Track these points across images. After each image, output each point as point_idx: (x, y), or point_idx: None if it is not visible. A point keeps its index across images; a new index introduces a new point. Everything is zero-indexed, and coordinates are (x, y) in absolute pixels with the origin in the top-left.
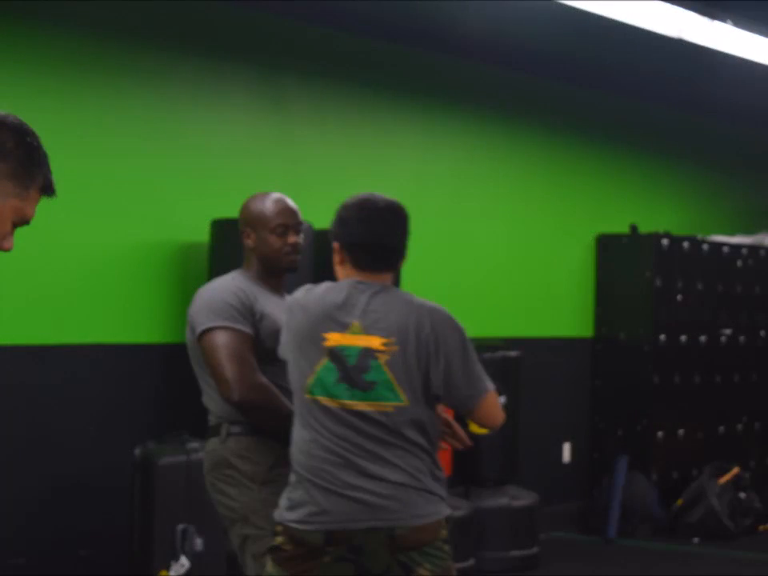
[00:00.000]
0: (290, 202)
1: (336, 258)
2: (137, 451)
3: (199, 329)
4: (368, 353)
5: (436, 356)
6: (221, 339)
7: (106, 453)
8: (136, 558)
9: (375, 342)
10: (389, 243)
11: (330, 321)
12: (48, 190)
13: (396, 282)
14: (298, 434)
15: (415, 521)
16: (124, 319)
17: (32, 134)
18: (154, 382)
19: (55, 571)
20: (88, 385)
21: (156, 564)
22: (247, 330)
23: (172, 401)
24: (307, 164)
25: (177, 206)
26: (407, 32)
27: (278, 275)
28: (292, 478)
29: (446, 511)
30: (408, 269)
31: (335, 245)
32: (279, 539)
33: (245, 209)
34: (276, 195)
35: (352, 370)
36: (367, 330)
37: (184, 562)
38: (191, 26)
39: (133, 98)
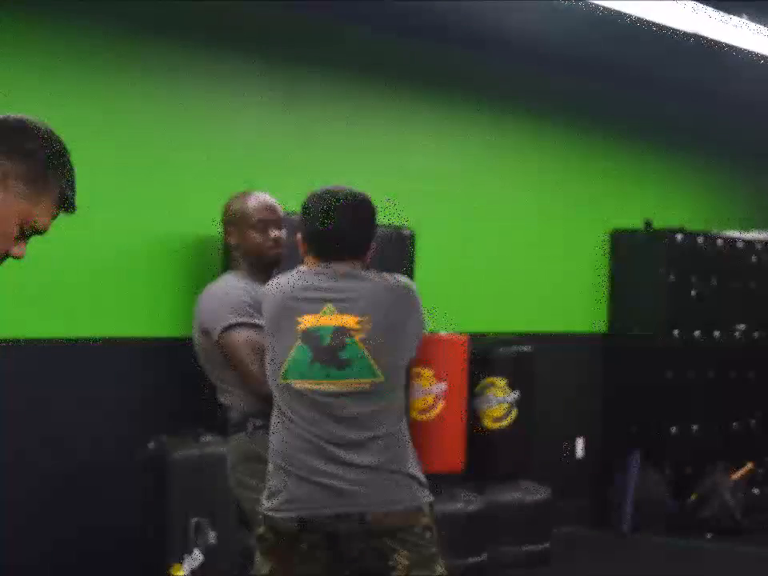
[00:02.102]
0: (270, 198)
1: (300, 249)
2: (150, 445)
3: (219, 328)
4: (342, 331)
5: (404, 329)
6: (242, 335)
7: (119, 447)
8: (149, 552)
9: (349, 320)
10: (348, 233)
11: (303, 305)
12: (64, 203)
13: (410, 274)
14: (274, 421)
15: (387, 507)
16: (138, 313)
17: (58, 144)
18: (167, 376)
19: (69, 564)
20: (101, 379)
21: (169, 558)
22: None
23: (185, 395)
24: (322, 158)
25: (190, 200)
26: (423, 25)
27: (265, 270)
28: (270, 466)
29: (425, 498)
30: (421, 263)
31: (298, 235)
32: (261, 528)
33: (226, 208)
34: (256, 193)
35: (327, 350)
36: (341, 311)
37: (197, 555)
38: (205, 20)
39: (147, 91)
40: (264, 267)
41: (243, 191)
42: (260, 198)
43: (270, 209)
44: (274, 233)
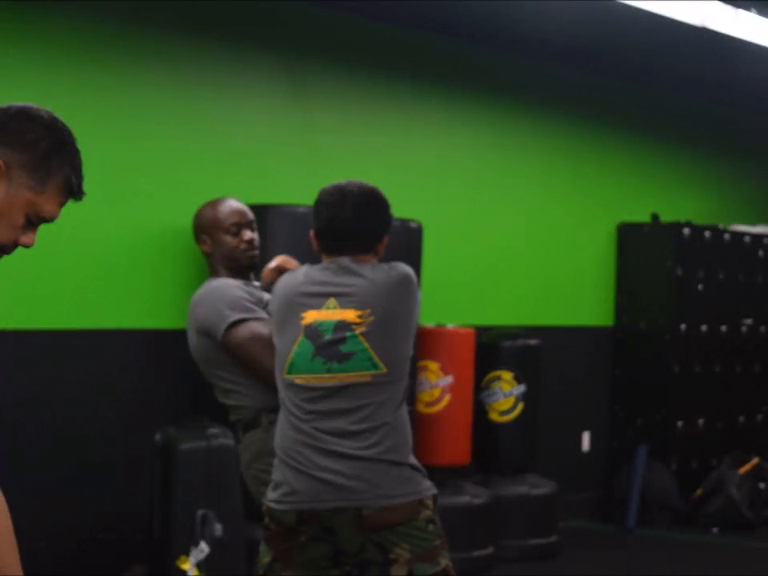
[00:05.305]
0: (240, 203)
1: (314, 245)
2: (157, 437)
3: (222, 327)
4: (343, 325)
5: (406, 320)
6: (248, 330)
7: (127, 438)
8: (156, 543)
9: (350, 314)
10: (353, 228)
11: (307, 300)
12: (70, 191)
13: (417, 270)
14: (279, 415)
15: (383, 501)
16: (146, 304)
17: (61, 132)
18: (175, 368)
19: (75, 555)
20: (109, 370)
21: (175, 549)
22: (267, 317)
23: (193, 386)
24: (328, 151)
25: (199, 192)
26: (429, 19)
27: (242, 274)
28: (275, 460)
29: (426, 491)
30: (429, 256)
31: (311, 232)
32: (265, 519)
33: (197, 217)
34: (225, 199)
35: (328, 344)
36: (343, 305)
37: (203, 547)
38: (214, 13)
39: (155, 84)
40: (241, 270)
41: (212, 199)
42: (230, 203)
43: (241, 212)
44: (248, 234)
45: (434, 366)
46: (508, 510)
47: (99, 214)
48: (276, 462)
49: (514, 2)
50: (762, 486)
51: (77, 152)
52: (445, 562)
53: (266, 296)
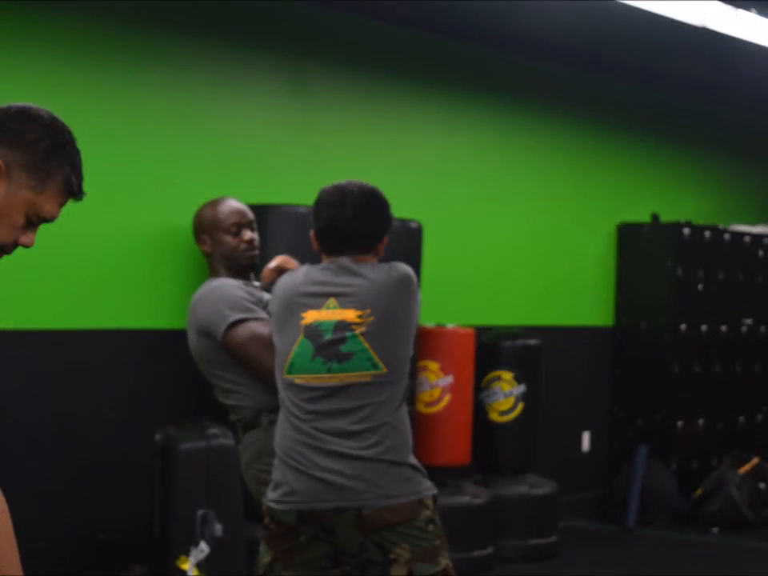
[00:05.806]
0: (240, 203)
1: (314, 245)
2: (157, 436)
3: (222, 327)
4: (343, 325)
5: (406, 320)
6: (248, 330)
7: (127, 438)
8: (156, 543)
9: (350, 314)
10: (352, 227)
11: (307, 300)
12: (70, 191)
13: (417, 270)
14: (279, 415)
15: (383, 501)
16: (146, 304)
17: (61, 132)
18: (175, 368)
19: (75, 555)
20: (109, 370)
21: (175, 549)
22: (267, 317)
23: (193, 386)
24: (329, 151)
25: (199, 192)
26: (429, 19)
27: (242, 274)
28: (276, 459)
29: (426, 491)
30: (429, 256)
31: (311, 232)
32: (266, 519)
33: (197, 217)
34: (225, 199)
35: (328, 344)
36: (342, 305)
37: (203, 547)
38: (214, 13)
39: (155, 84)
40: (241, 270)
41: (212, 199)
42: (230, 203)
43: (241, 212)
44: (247, 234)
45: (434, 366)
46: (508, 510)
47: (99, 214)
48: (276, 461)
49: (514, 2)
50: (762, 485)
51: (77, 152)
52: (445, 561)
53: (266, 296)
